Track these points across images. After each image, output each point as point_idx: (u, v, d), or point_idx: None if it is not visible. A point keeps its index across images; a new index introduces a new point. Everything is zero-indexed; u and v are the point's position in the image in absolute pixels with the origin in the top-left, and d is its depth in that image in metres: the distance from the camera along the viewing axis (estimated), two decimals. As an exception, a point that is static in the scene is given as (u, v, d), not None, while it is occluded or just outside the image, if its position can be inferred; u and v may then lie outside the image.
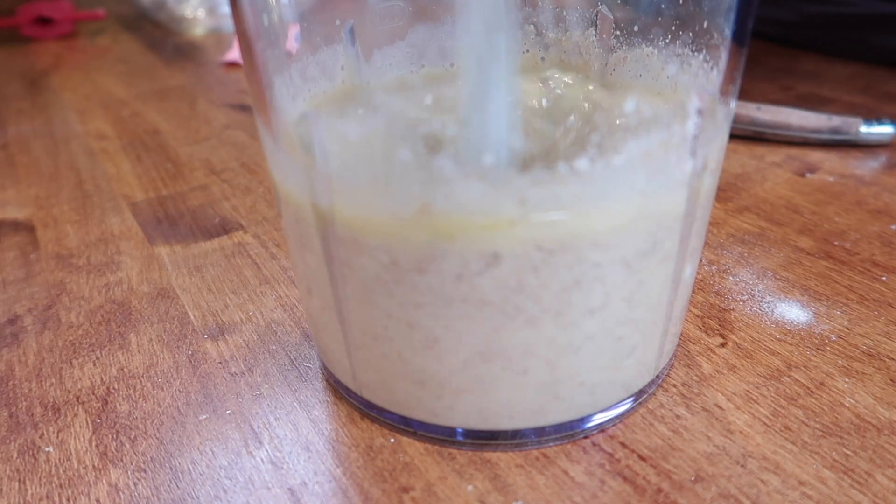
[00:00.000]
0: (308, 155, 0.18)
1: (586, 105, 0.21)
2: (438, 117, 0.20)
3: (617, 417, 0.21)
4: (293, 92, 0.20)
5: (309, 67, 0.21)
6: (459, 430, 0.20)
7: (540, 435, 0.20)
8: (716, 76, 0.19)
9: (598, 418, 0.21)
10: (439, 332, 0.18)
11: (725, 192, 0.35)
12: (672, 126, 0.17)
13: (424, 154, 0.17)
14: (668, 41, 0.21)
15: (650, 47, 0.21)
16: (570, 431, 0.21)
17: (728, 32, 0.19)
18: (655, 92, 0.21)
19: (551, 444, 0.20)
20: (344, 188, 0.17)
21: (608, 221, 0.17)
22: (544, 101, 0.22)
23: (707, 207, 0.20)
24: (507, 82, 0.16)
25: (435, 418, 0.20)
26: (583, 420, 0.20)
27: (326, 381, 0.23)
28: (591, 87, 0.22)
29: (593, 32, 0.22)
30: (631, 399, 0.21)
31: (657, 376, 0.22)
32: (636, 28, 0.21)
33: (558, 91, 0.22)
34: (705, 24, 0.19)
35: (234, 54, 0.63)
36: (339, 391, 0.23)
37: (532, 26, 0.23)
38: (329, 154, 0.17)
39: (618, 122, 0.19)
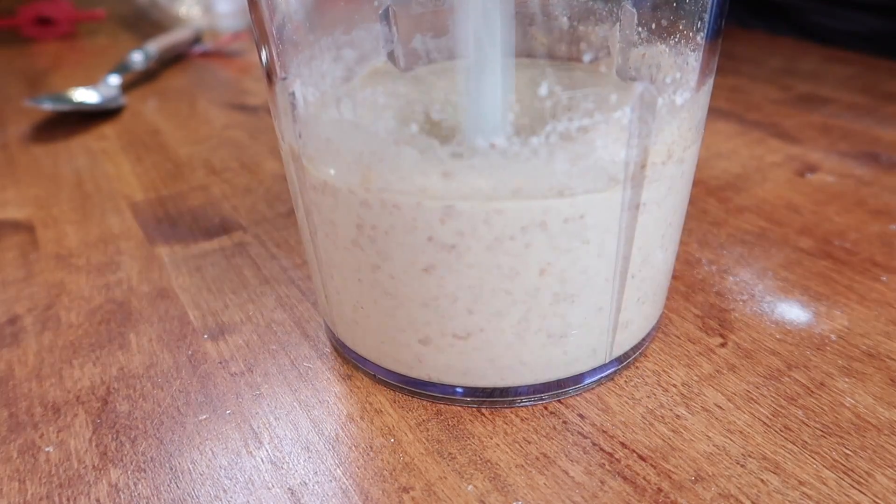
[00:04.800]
0: (289, 105, 0.19)
1: (543, 88, 0.22)
2: (429, 97, 0.21)
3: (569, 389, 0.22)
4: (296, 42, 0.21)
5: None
6: (434, 384, 0.22)
7: (471, 394, 0.22)
8: (693, 65, 0.20)
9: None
10: (392, 289, 0.20)
11: (725, 191, 0.35)
12: (595, 114, 0.18)
13: (367, 117, 0.18)
14: (642, 28, 0.21)
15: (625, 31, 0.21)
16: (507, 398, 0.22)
17: (701, 25, 0.19)
18: (616, 81, 0.22)
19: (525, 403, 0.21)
20: (309, 145, 0.19)
21: (524, 199, 0.18)
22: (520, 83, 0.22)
23: (671, 200, 0.21)
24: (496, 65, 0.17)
25: (409, 371, 0.22)
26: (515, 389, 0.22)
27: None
28: (556, 71, 0.23)
29: (562, 20, 0.23)
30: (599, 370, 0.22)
31: (622, 357, 0.23)
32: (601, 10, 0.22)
33: (531, 74, 0.23)
34: (681, 20, 0.19)
35: (206, 46, 0.67)
36: (349, 357, 0.24)
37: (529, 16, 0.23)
38: (305, 106, 0.19)
39: (551, 105, 0.20)
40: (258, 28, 0.20)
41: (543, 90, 0.20)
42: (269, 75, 0.20)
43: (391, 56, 0.23)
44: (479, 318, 0.20)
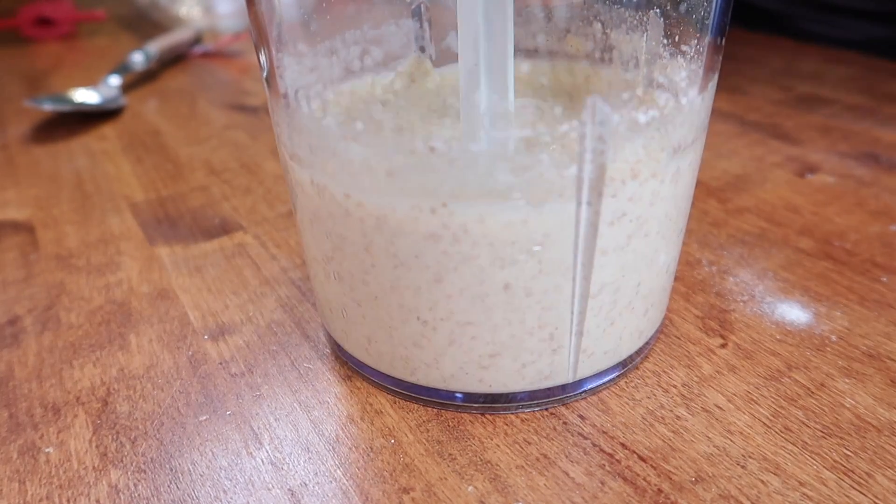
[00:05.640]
0: (284, 106, 0.20)
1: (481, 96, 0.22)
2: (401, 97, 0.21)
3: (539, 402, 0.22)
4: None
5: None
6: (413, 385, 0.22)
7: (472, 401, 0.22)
8: (694, 69, 0.19)
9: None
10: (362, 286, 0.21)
11: (725, 192, 0.35)
12: (538, 126, 0.18)
13: (319, 109, 0.19)
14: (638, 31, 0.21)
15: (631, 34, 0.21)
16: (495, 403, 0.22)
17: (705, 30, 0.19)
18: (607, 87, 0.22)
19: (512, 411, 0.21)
20: (301, 146, 0.20)
21: (465, 205, 0.18)
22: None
23: (656, 216, 0.20)
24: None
25: (404, 376, 0.22)
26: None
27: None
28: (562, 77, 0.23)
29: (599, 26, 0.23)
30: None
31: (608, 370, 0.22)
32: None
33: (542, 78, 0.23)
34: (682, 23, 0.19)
35: (207, 46, 0.67)
36: (351, 364, 0.24)
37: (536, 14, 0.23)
38: (298, 108, 0.19)
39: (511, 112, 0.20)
40: (256, 29, 0.20)
41: (481, 98, 0.20)
42: (267, 76, 0.20)
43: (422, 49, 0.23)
44: (471, 325, 0.20)
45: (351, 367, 0.24)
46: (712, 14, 0.19)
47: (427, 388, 0.22)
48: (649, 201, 0.20)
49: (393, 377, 0.22)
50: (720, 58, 0.21)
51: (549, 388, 0.22)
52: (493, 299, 0.19)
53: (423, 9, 0.22)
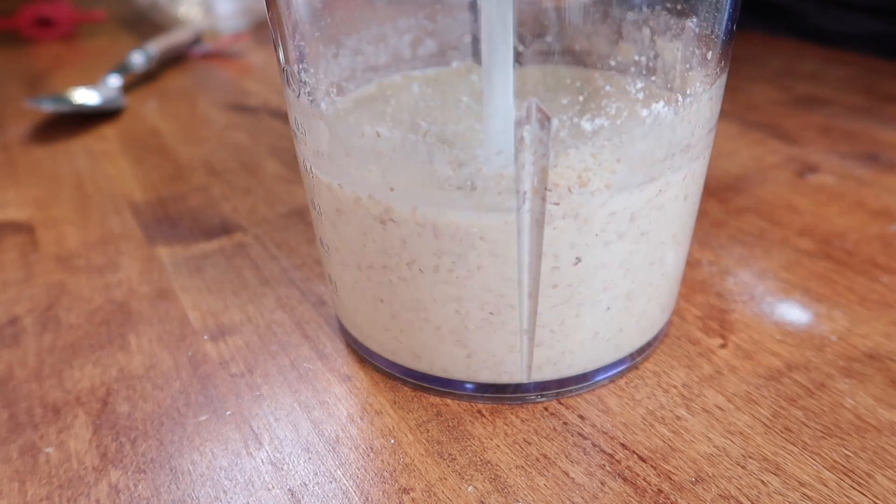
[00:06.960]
0: (300, 103, 0.20)
1: (415, 87, 0.23)
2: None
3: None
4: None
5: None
6: (409, 370, 0.22)
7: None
8: (702, 66, 0.19)
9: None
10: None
11: (725, 192, 0.35)
12: (464, 119, 0.18)
13: (304, 96, 0.20)
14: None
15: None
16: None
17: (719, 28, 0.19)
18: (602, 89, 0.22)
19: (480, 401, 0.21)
20: (318, 142, 0.20)
21: (410, 191, 0.18)
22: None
23: (606, 229, 0.19)
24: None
25: (395, 358, 0.23)
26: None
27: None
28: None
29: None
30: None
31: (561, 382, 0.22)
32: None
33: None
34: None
35: (207, 47, 0.67)
36: (363, 354, 0.24)
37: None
38: (315, 105, 0.20)
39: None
40: (274, 26, 0.20)
41: (415, 89, 0.20)
42: (284, 73, 0.21)
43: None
44: (468, 318, 0.20)
45: (364, 359, 0.24)
46: (717, 24, 0.19)
47: (433, 377, 0.22)
48: (603, 213, 0.19)
49: (398, 364, 0.23)
50: (717, 71, 0.20)
51: (551, 381, 0.22)
52: (444, 288, 0.20)
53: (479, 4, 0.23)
